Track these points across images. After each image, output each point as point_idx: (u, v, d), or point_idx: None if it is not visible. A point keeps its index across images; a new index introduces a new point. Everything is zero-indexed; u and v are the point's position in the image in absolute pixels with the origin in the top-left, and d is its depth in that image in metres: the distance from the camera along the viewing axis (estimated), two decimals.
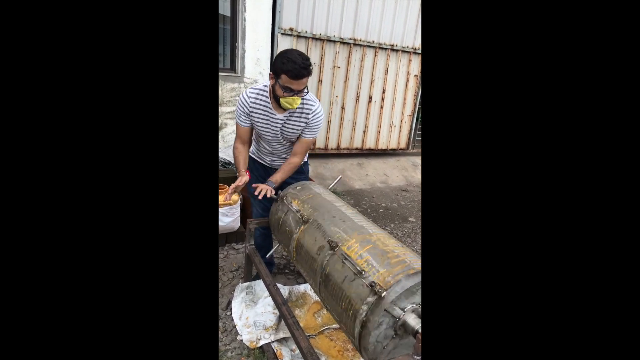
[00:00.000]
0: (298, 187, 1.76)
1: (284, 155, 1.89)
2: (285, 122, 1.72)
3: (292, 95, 1.56)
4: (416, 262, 1.14)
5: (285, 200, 1.69)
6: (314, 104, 1.71)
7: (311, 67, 1.55)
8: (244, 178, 1.75)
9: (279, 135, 1.77)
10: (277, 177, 1.78)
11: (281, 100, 1.58)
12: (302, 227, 1.49)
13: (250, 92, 1.71)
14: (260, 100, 1.70)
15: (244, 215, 2.64)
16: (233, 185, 1.74)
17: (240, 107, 1.73)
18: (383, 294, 1.03)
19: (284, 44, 3.72)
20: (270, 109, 1.69)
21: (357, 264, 1.17)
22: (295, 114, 1.71)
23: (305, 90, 1.60)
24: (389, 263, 1.13)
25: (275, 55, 3.63)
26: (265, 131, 1.77)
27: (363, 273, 1.13)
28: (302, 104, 1.68)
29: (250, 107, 1.70)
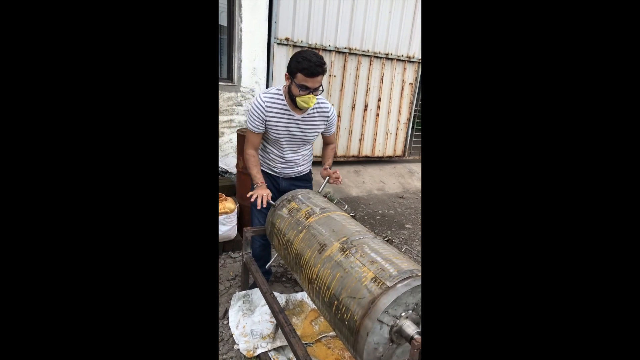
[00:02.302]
0: (270, 222, 1.75)
1: (298, 161, 1.91)
2: (303, 123, 1.77)
3: (308, 94, 1.60)
4: (358, 312, 1.08)
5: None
6: (327, 104, 1.82)
7: (325, 66, 1.60)
8: (267, 191, 1.72)
9: (298, 137, 1.79)
10: (330, 163, 1.96)
11: (297, 99, 1.62)
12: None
13: (264, 96, 1.71)
14: (277, 102, 1.71)
15: (241, 223, 2.64)
16: (262, 194, 1.68)
17: (255, 112, 1.70)
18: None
19: (280, 53, 3.76)
20: (288, 110, 1.72)
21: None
22: (313, 115, 1.77)
23: (321, 88, 1.64)
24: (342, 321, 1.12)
25: (272, 64, 3.68)
26: (283, 133, 1.77)
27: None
28: (318, 105, 1.75)
29: (267, 111, 1.70)
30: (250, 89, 3.55)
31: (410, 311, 1.07)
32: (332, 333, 1.82)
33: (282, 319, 1.48)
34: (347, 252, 1.26)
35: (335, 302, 1.18)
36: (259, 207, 1.68)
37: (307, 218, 1.53)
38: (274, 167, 1.91)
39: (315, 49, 3.93)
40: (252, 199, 1.70)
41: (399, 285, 1.05)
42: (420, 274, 1.10)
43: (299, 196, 1.73)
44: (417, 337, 1.00)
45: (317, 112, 1.77)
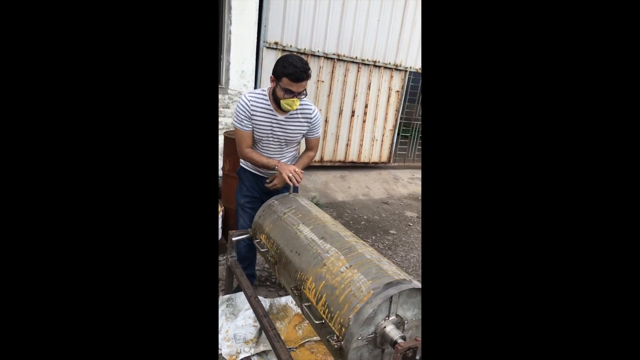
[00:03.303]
0: (261, 216, 1.74)
1: (282, 161, 1.91)
2: (286, 123, 1.79)
3: (292, 97, 1.65)
4: (362, 288, 1.09)
5: (256, 237, 1.71)
6: (311, 106, 1.83)
7: (310, 71, 1.65)
8: (291, 166, 1.76)
9: (281, 137, 1.82)
10: (299, 164, 1.90)
11: (281, 102, 1.66)
12: (275, 266, 1.53)
13: (249, 95, 1.75)
14: (261, 102, 1.75)
15: (226, 227, 2.62)
16: (294, 171, 1.71)
17: (241, 110, 1.74)
18: (341, 345, 1.04)
19: (268, 57, 3.76)
20: (271, 110, 1.76)
21: (317, 310, 1.19)
22: (296, 116, 1.80)
23: (304, 92, 1.68)
24: (338, 303, 1.12)
25: (260, 67, 3.68)
26: (267, 133, 1.80)
27: (324, 322, 1.15)
28: (301, 107, 1.78)
29: (252, 109, 1.74)
30: (238, 91, 3.54)
31: (398, 316, 1.09)
32: (316, 338, 1.82)
33: (266, 323, 1.47)
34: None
35: (328, 292, 1.20)
36: (297, 184, 1.74)
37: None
38: (258, 167, 1.92)
39: (304, 54, 3.96)
40: (287, 181, 1.71)
41: (398, 285, 1.08)
42: (414, 280, 1.12)
43: (291, 200, 1.74)
44: (401, 341, 1.02)
45: (300, 113, 1.81)
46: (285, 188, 1.88)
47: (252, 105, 1.74)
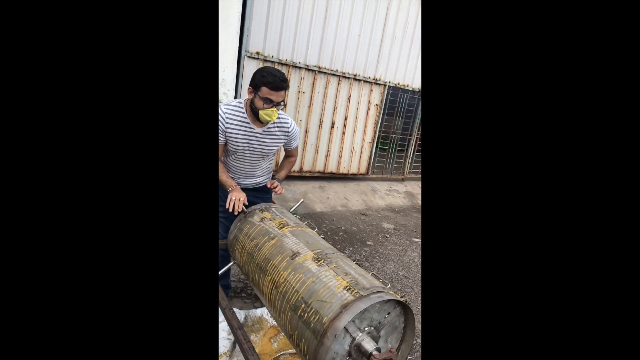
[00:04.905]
0: (235, 230, 1.69)
1: (256, 173, 1.91)
2: (263, 136, 1.78)
3: (272, 107, 1.64)
4: (305, 351, 1.09)
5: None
6: (287, 119, 1.85)
7: (288, 82, 1.67)
8: (242, 194, 1.68)
9: (258, 150, 1.80)
10: (282, 174, 2.00)
11: (260, 112, 1.65)
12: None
13: (225, 107, 1.73)
14: (237, 115, 1.73)
15: None
16: (238, 199, 1.64)
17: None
18: None
19: (250, 66, 3.77)
20: (248, 123, 1.74)
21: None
22: (274, 129, 1.80)
23: (283, 103, 1.68)
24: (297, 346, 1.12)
25: (241, 77, 3.67)
26: (243, 146, 1.77)
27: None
28: (278, 120, 1.79)
29: (227, 122, 1.72)
30: (219, 99, 3.51)
31: (372, 327, 1.09)
32: (291, 350, 1.79)
33: (240, 335, 1.44)
34: (321, 261, 1.26)
35: (303, 305, 1.16)
36: (236, 212, 1.65)
37: (281, 228, 1.52)
38: (233, 177, 1.91)
39: (286, 64, 3.99)
40: (228, 205, 1.64)
41: (372, 295, 1.07)
42: (389, 291, 1.13)
43: (273, 209, 1.72)
44: (376, 353, 1.02)
45: (278, 126, 1.81)
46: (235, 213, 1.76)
47: (227, 117, 1.72)
